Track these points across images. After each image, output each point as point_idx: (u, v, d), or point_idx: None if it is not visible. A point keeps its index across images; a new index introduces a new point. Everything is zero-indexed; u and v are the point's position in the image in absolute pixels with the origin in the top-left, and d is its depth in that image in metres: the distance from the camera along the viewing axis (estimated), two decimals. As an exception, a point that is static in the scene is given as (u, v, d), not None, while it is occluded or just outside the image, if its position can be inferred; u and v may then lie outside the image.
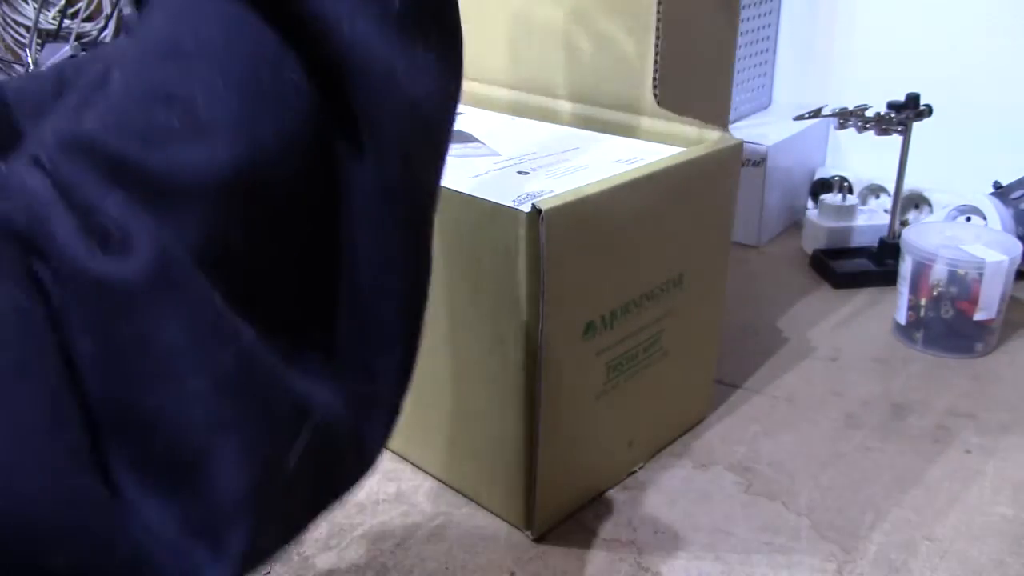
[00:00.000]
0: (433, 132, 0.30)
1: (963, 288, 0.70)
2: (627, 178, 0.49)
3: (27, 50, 1.31)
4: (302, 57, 0.27)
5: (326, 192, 0.28)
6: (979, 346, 0.73)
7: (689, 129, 0.58)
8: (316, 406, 0.26)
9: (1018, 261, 0.70)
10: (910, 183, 0.89)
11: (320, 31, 0.26)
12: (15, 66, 1.33)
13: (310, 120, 0.27)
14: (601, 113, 0.63)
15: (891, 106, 0.81)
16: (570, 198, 0.45)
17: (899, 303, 0.75)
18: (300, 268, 0.28)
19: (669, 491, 0.57)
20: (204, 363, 0.23)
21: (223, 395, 0.23)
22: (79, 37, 1.30)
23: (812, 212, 0.91)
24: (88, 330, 0.22)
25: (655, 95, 0.57)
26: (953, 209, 0.86)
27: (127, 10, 1.25)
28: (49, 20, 1.30)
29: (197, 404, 0.23)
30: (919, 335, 0.74)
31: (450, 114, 0.31)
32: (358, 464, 0.29)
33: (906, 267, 0.73)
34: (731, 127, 0.59)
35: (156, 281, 0.23)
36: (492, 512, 0.55)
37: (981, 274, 0.69)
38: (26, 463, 0.21)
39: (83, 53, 1.14)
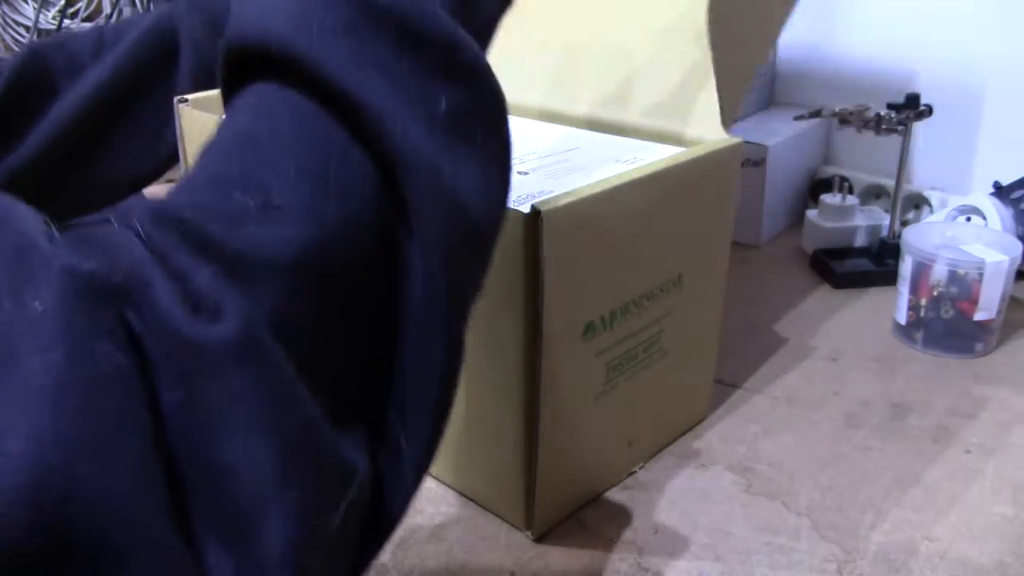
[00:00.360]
0: (477, 229, 0.32)
1: (963, 288, 0.70)
2: (627, 178, 0.49)
3: (27, 50, 1.31)
4: (365, 149, 0.29)
5: (386, 274, 0.30)
6: (979, 346, 0.73)
7: (689, 130, 0.58)
8: (358, 472, 0.28)
9: (1018, 261, 0.70)
10: (910, 183, 0.89)
11: (376, 130, 0.29)
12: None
13: (373, 206, 0.29)
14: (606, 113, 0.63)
15: (891, 106, 0.81)
16: (570, 198, 0.45)
17: (899, 303, 0.75)
18: (359, 343, 0.30)
19: (669, 491, 0.57)
20: (276, 426, 0.25)
21: (288, 456, 0.25)
22: (79, 37, 1.29)
23: (812, 212, 0.91)
24: (176, 387, 0.24)
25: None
26: (953, 209, 0.86)
27: (127, 10, 1.25)
28: (49, 20, 1.30)
29: (265, 463, 0.25)
30: (919, 335, 0.74)
31: (497, 212, 0.33)
32: (385, 527, 0.31)
33: (906, 267, 0.73)
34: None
35: (243, 347, 0.25)
36: (492, 512, 0.55)
37: (981, 274, 0.69)
38: (120, 516, 0.22)
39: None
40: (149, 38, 0.69)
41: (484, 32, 0.38)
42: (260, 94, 0.30)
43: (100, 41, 0.69)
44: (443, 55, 0.31)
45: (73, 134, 0.67)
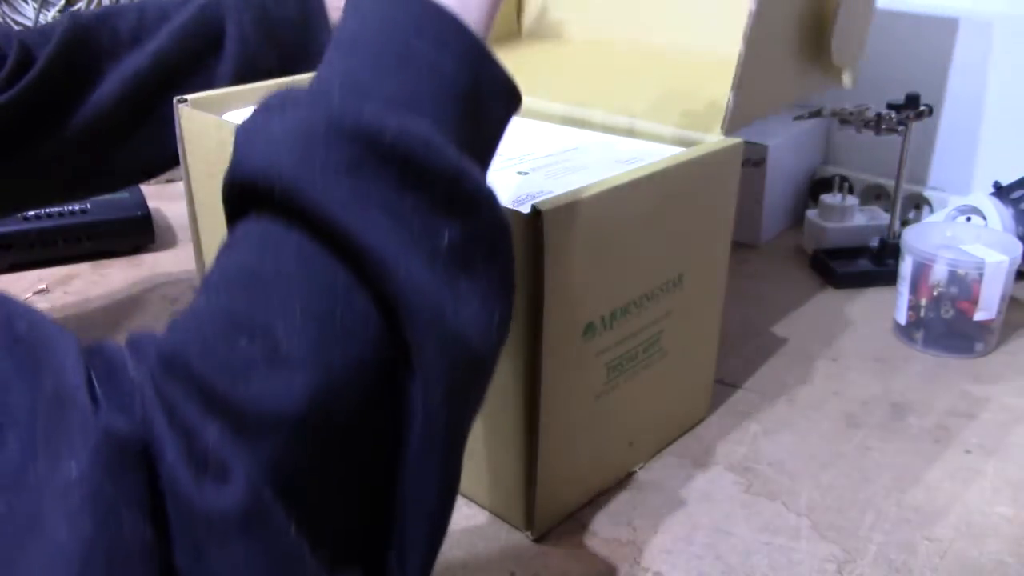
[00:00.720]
0: (479, 358, 0.32)
1: (963, 288, 0.70)
2: (627, 178, 0.49)
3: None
4: (368, 290, 0.29)
5: (387, 412, 0.30)
6: (979, 346, 0.73)
7: (689, 130, 0.58)
8: None
9: (1018, 261, 0.70)
10: (910, 183, 0.89)
11: (379, 272, 0.29)
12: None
13: (376, 347, 0.30)
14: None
15: (891, 106, 0.81)
16: (570, 198, 0.45)
17: (899, 303, 0.75)
18: (358, 482, 0.30)
19: (669, 491, 0.57)
20: None
21: None
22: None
23: (812, 212, 0.91)
24: (188, 553, 0.25)
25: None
26: (953, 209, 0.86)
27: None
28: (49, 20, 1.30)
29: None
30: (919, 335, 0.74)
31: (499, 336, 0.34)
32: None
33: (906, 267, 0.73)
34: (731, 127, 0.59)
35: (247, 515, 0.26)
36: (492, 512, 0.55)
37: (981, 274, 0.69)
38: None
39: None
40: (193, 27, 0.68)
41: (491, 140, 0.38)
42: (264, 228, 0.31)
43: (142, 19, 0.68)
44: (447, 189, 0.31)
45: (107, 122, 0.67)
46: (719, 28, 0.61)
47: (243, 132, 0.32)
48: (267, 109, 0.33)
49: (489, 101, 0.36)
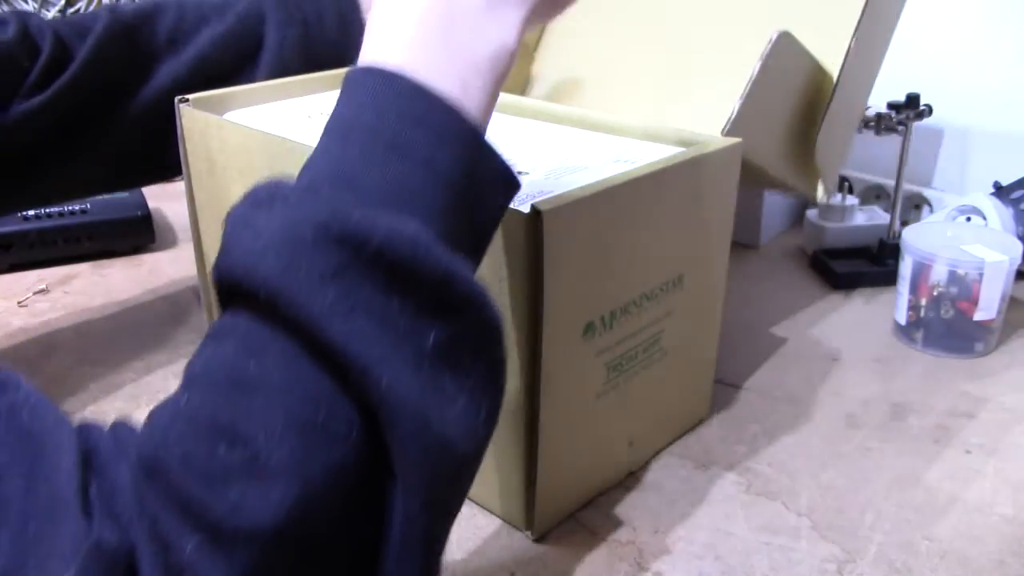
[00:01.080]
0: (461, 461, 0.32)
1: (963, 288, 0.70)
2: (627, 178, 0.49)
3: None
4: (351, 397, 0.29)
5: (366, 516, 0.30)
6: (979, 346, 0.73)
7: (690, 130, 0.58)
8: None
9: (1018, 261, 0.70)
10: (910, 183, 0.89)
11: (362, 380, 0.29)
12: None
13: (357, 453, 0.29)
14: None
15: (891, 106, 0.81)
16: (570, 198, 0.45)
17: (899, 303, 0.75)
18: None
19: (669, 491, 0.57)
20: None
21: None
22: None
23: (812, 212, 0.91)
24: None
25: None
26: (953, 209, 0.86)
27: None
28: (51, 17, 1.30)
29: None
30: (919, 335, 0.74)
31: (483, 434, 0.33)
32: None
33: (906, 267, 0.73)
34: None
35: None
36: (492, 512, 0.55)
37: (981, 274, 0.69)
38: None
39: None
40: (232, 39, 0.67)
41: (487, 228, 0.37)
42: (249, 327, 0.30)
43: (181, 21, 0.67)
44: (434, 291, 0.31)
45: (142, 130, 0.67)
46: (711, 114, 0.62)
47: (232, 224, 0.32)
48: (256, 203, 0.32)
49: (486, 190, 0.36)
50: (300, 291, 0.29)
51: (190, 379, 0.30)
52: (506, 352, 0.34)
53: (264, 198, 0.32)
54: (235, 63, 0.68)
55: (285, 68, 0.69)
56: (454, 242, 0.33)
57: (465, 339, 0.32)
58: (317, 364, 0.29)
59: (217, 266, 0.31)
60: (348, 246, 0.30)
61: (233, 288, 0.31)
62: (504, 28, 0.37)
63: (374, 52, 0.36)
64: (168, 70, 0.66)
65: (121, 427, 0.30)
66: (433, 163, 0.33)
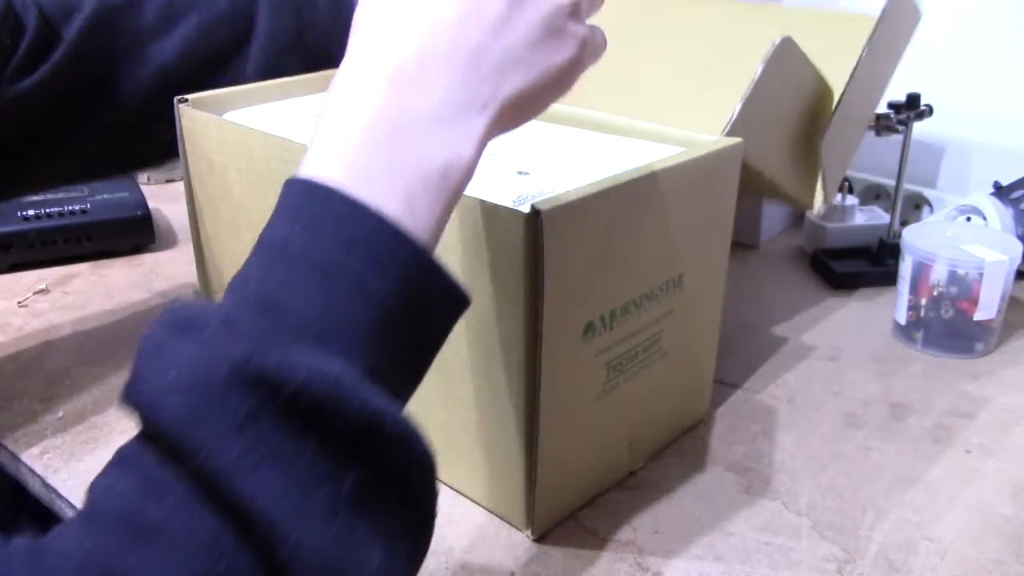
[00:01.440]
0: None
1: (963, 288, 0.70)
2: (627, 178, 0.49)
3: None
4: (255, 554, 0.28)
5: None
6: (979, 346, 0.73)
7: (690, 130, 0.58)
8: None
9: (1018, 261, 0.70)
10: (910, 183, 0.89)
11: (267, 536, 0.27)
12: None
13: None
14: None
15: (891, 106, 0.81)
16: (570, 198, 0.45)
17: (899, 303, 0.75)
18: None
19: (669, 491, 0.57)
20: None
21: None
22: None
23: (812, 212, 0.91)
24: None
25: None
26: (953, 209, 0.86)
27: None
28: None
29: None
30: (919, 335, 0.74)
31: (411, 570, 0.32)
32: None
33: (906, 267, 0.73)
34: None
35: None
36: (492, 512, 0.55)
37: (981, 274, 0.69)
38: None
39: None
40: (222, 25, 0.66)
41: (430, 346, 0.35)
42: (151, 466, 0.29)
43: (170, 3, 0.66)
44: (356, 433, 0.29)
45: (131, 116, 0.65)
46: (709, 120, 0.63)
47: (145, 346, 0.30)
48: (174, 327, 0.31)
49: (432, 310, 0.34)
50: (205, 440, 0.28)
51: (90, 513, 0.29)
52: (436, 485, 0.32)
53: (181, 324, 0.30)
54: (226, 47, 0.67)
55: (278, 54, 0.68)
56: (388, 371, 0.32)
57: (387, 481, 0.30)
58: (220, 515, 0.28)
59: (126, 393, 0.30)
60: (262, 390, 0.28)
61: (139, 418, 0.30)
62: (461, 139, 0.35)
63: (316, 162, 0.34)
64: (157, 55, 0.65)
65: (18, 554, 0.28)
66: (367, 290, 0.31)
